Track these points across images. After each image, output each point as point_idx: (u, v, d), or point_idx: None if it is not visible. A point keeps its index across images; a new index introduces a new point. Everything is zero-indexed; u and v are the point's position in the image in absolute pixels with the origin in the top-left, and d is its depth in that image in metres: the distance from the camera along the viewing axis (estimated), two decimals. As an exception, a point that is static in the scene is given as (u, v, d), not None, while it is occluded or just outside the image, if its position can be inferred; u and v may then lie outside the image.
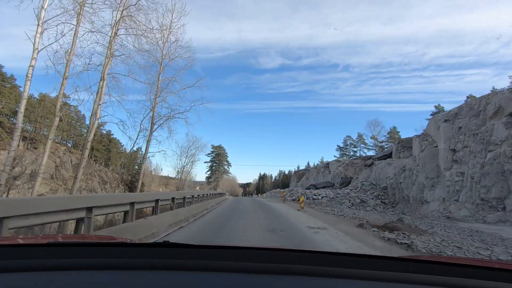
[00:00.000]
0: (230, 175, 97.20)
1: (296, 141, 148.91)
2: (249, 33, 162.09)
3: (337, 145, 73.46)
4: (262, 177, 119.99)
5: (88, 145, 11.71)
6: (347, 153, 68.79)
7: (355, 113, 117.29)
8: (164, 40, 16.78)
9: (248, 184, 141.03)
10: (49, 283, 0.80)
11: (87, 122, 20.00)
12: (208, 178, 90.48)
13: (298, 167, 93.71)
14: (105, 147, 48.71)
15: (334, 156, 70.42)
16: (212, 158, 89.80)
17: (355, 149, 69.41)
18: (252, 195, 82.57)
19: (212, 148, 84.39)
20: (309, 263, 0.89)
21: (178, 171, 38.84)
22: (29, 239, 1.42)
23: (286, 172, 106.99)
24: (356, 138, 68.20)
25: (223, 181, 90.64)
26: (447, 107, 39.75)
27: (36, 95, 31.30)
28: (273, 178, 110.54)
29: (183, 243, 1.00)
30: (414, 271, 0.86)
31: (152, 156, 41.71)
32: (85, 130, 29.64)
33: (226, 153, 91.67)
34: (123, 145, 63.78)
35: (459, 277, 0.85)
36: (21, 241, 1.23)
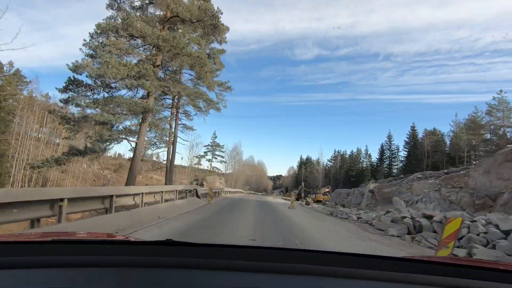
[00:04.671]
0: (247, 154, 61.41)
1: (329, 135, 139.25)
2: (286, 23, 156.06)
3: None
4: (305, 163, 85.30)
5: None
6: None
7: (394, 105, 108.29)
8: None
9: (278, 177, 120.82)
10: (50, 280, 0.81)
11: None
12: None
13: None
14: None
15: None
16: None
17: None
18: (287, 191, 57.01)
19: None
20: (311, 263, 0.89)
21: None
22: (30, 236, 1.43)
23: (347, 153, 70.37)
24: None
25: (239, 168, 56.88)
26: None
27: None
28: (322, 164, 72.22)
29: (185, 241, 1.00)
30: (417, 272, 0.86)
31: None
32: None
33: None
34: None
35: (463, 278, 0.85)
36: (21, 238, 1.24)
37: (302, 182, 48.14)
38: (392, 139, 61.26)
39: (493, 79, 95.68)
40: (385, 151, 61.45)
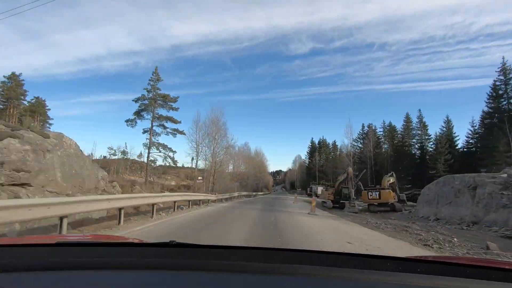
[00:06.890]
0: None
1: (327, 127, 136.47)
2: (279, 19, 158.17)
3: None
4: (318, 148, 68.97)
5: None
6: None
7: (390, 94, 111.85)
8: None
9: (278, 172, 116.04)
10: (56, 282, 0.82)
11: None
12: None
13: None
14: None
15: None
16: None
17: None
18: (292, 187, 39.99)
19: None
20: (315, 264, 0.90)
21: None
22: (36, 239, 1.45)
23: (385, 125, 48.40)
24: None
25: (223, 154, 32.21)
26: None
27: None
28: (345, 144, 47.86)
29: (189, 243, 1.02)
30: (422, 272, 0.85)
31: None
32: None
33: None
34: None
35: (469, 278, 0.84)
36: (28, 241, 1.24)
37: (349, 167, 22.36)
38: (510, 73, 33.87)
39: (488, 63, 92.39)
40: (501, 99, 34.35)
